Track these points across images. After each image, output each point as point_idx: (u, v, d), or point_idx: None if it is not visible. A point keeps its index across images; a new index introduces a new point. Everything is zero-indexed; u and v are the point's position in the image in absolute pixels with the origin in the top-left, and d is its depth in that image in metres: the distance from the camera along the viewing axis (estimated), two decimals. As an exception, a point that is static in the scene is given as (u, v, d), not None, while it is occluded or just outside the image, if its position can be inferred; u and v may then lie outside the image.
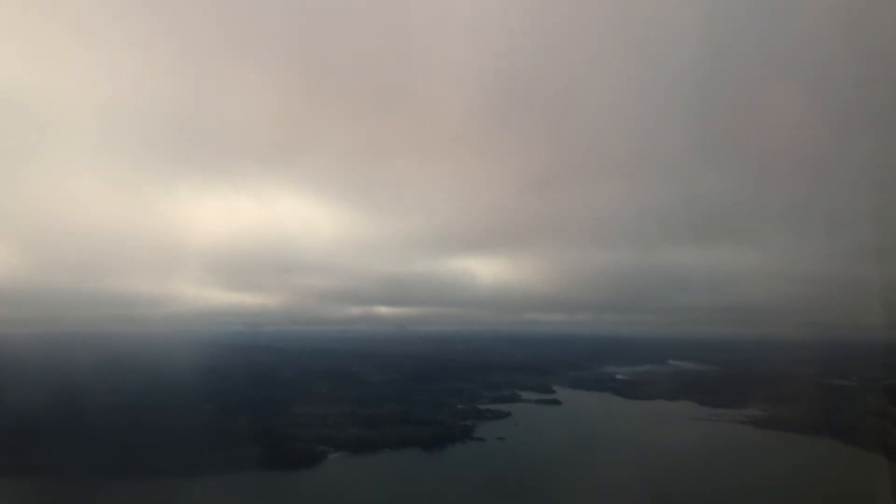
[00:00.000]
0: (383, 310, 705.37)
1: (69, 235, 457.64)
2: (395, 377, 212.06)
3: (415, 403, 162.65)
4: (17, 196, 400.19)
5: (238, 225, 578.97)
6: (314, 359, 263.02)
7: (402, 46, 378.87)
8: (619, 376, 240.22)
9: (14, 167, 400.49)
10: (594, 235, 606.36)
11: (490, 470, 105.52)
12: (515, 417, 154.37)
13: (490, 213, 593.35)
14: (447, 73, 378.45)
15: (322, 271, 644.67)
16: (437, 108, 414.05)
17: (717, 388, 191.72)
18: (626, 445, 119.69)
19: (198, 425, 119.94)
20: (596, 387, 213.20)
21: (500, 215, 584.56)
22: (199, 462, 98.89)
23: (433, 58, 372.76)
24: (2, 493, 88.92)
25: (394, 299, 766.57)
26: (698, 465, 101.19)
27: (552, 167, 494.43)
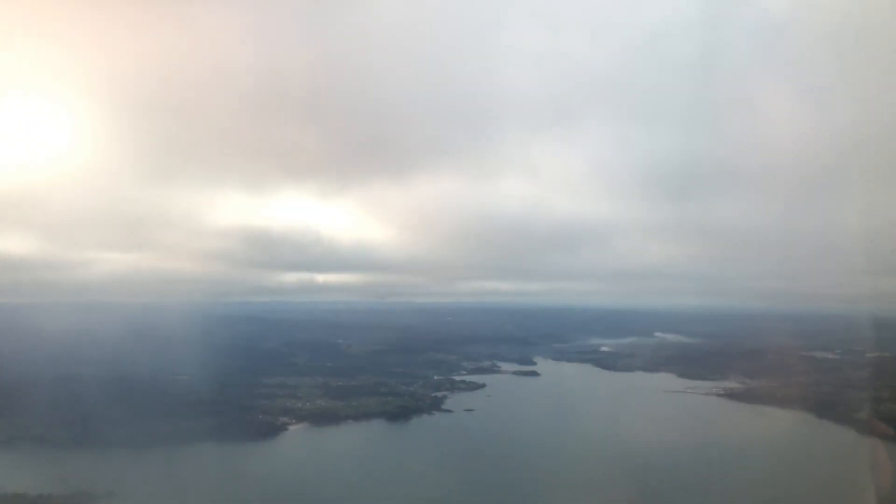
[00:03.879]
0: (320, 278, 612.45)
1: None
2: (376, 348, 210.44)
3: (390, 375, 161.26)
4: None
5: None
6: (298, 330, 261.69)
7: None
8: (603, 348, 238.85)
9: None
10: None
11: (449, 441, 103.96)
12: (490, 389, 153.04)
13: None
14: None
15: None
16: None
17: (699, 361, 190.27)
18: (592, 417, 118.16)
19: (166, 395, 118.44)
20: (578, 359, 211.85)
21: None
22: (155, 433, 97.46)
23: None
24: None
25: (322, 265, 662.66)
26: (660, 437, 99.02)
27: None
